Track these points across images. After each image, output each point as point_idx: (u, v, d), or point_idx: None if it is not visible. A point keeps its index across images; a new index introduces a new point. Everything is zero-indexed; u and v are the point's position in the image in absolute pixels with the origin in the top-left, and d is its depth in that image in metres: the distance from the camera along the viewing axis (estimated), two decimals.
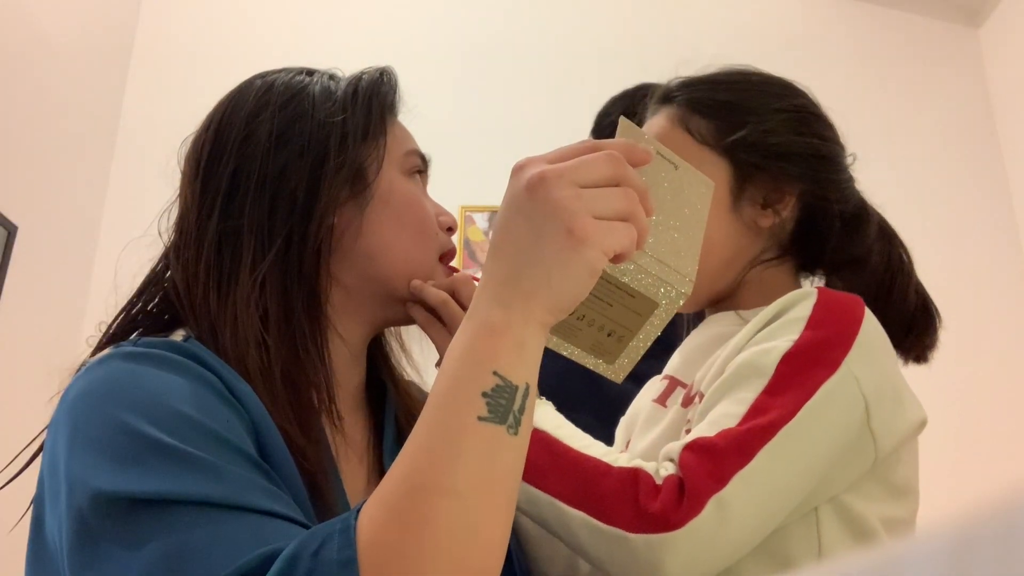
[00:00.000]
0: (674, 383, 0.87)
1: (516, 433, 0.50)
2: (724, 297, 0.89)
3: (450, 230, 0.77)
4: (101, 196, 2.25)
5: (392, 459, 0.71)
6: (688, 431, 0.72)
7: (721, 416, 0.69)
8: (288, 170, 0.69)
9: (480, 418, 0.49)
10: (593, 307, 0.59)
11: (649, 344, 0.62)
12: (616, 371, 0.63)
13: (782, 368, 0.69)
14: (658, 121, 0.92)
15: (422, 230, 0.74)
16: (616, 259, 0.53)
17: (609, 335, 0.61)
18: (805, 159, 0.87)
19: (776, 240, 0.88)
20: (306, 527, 0.52)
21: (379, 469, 0.73)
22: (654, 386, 0.89)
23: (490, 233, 2.26)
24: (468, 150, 1.99)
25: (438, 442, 0.49)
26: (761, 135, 0.87)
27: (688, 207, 0.62)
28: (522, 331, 0.51)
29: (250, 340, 0.64)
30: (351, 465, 0.70)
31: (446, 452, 0.48)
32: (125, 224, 2.33)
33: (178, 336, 0.66)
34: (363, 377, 0.77)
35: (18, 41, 1.93)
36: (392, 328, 0.80)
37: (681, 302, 0.59)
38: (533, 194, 0.51)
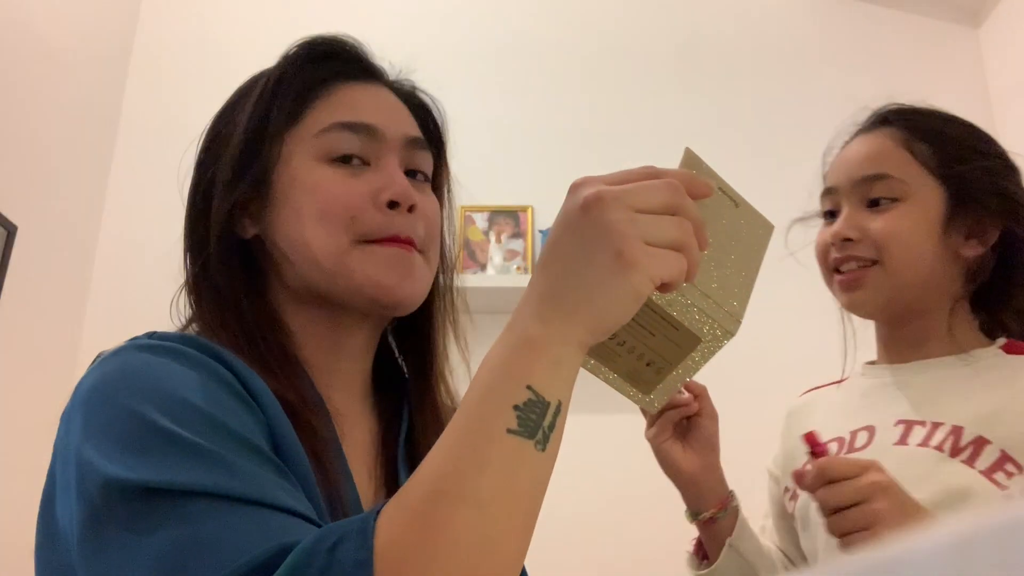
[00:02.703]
0: (909, 424, 0.94)
1: (544, 450, 0.49)
2: (909, 321, 0.99)
3: (395, 204, 0.71)
4: (101, 196, 2.25)
5: (404, 458, 0.73)
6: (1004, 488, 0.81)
7: None
8: (212, 176, 0.73)
9: (509, 430, 0.48)
10: (635, 334, 0.58)
11: (688, 379, 0.61)
12: (650, 402, 0.62)
13: None
14: (878, 140, 1.01)
15: (324, 216, 0.70)
16: (663, 288, 0.52)
17: (648, 364, 0.60)
18: (1011, 200, 0.97)
19: (962, 280, 0.99)
20: (317, 524, 0.52)
21: (388, 467, 0.73)
22: (886, 432, 0.95)
23: (489, 233, 2.26)
24: (468, 150, 1.99)
25: (464, 450, 0.48)
26: (982, 171, 0.97)
27: (745, 246, 0.60)
28: (560, 348, 0.51)
29: (225, 344, 0.66)
30: (357, 461, 0.70)
31: (471, 461, 0.48)
32: (125, 224, 2.34)
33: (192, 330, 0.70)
34: (366, 374, 0.76)
35: (18, 41, 1.93)
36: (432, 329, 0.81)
37: (726, 342, 0.58)
38: (587, 213, 0.51)
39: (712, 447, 0.99)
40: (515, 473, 0.48)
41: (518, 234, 2.25)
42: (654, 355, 0.60)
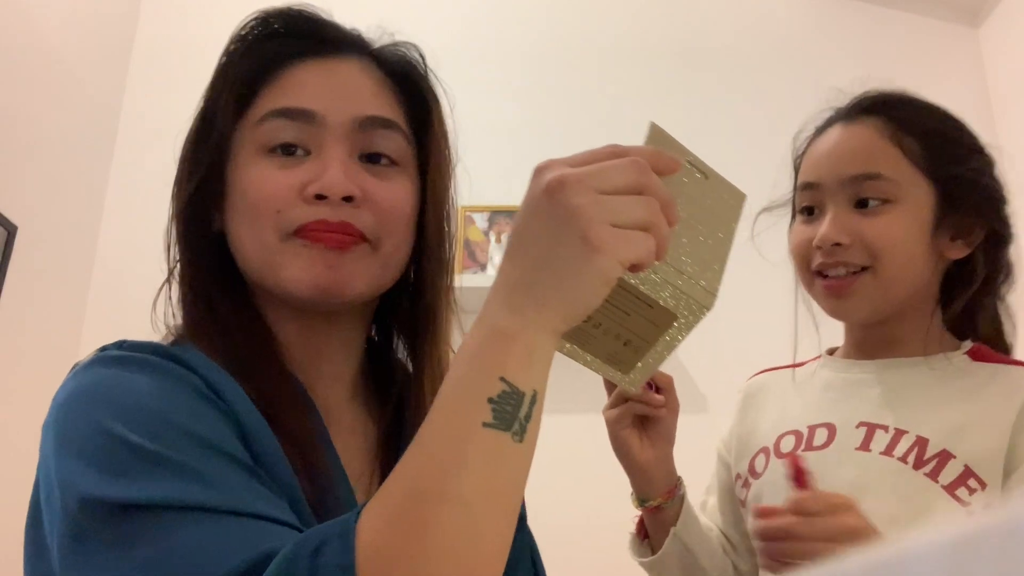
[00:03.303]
0: (872, 428, 0.91)
1: (521, 440, 0.49)
2: (887, 322, 0.95)
3: (321, 197, 0.66)
4: (101, 196, 2.25)
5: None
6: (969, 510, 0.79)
7: None
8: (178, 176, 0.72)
9: (485, 424, 0.48)
10: (610, 315, 0.58)
11: (667, 357, 0.60)
12: (630, 381, 0.62)
13: None
14: (865, 133, 0.95)
15: (254, 215, 0.66)
16: (633, 268, 0.52)
17: (625, 344, 0.60)
18: (996, 200, 0.94)
19: (939, 281, 0.95)
20: (299, 530, 0.51)
21: (390, 466, 0.72)
22: (847, 433, 0.92)
23: (489, 233, 2.26)
24: (467, 151, 1.98)
25: (441, 447, 0.48)
26: (974, 173, 0.93)
27: (716, 218, 0.59)
28: (532, 337, 0.50)
29: (203, 346, 0.65)
30: (352, 460, 0.69)
31: (449, 458, 0.47)
32: (125, 224, 2.34)
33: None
34: (354, 371, 0.74)
35: (18, 41, 1.93)
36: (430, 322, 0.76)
37: (703, 315, 0.57)
38: (551, 198, 0.50)
39: (669, 440, 0.99)
40: (494, 467, 0.48)
41: None
42: (631, 335, 0.59)
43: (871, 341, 0.99)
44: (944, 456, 0.84)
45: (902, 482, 0.84)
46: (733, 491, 1.07)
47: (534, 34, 2.49)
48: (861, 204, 0.93)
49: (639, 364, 0.61)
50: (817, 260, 0.95)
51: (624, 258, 0.50)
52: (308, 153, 0.67)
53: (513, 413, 0.49)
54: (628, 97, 2.39)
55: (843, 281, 0.93)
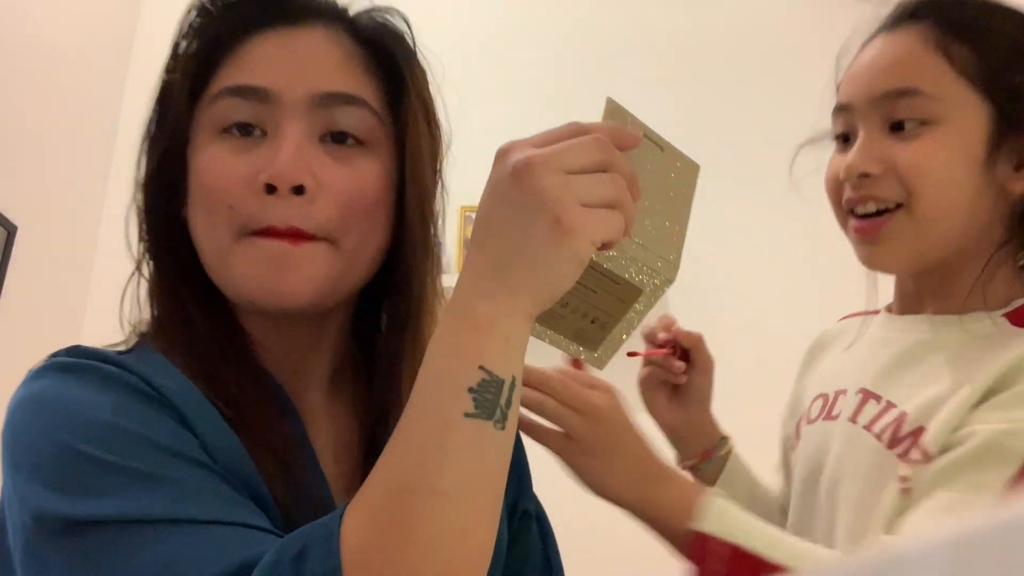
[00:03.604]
0: (867, 396, 0.80)
1: (503, 428, 0.48)
2: (936, 272, 0.79)
3: (272, 189, 0.58)
4: (101, 196, 2.25)
5: None
6: (905, 489, 0.68)
7: (956, 503, 0.64)
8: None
9: (466, 414, 0.47)
10: (578, 294, 0.58)
11: (633, 331, 0.61)
12: (598, 359, 0.62)
13: None
14: (904, 42, 0.79)
15: (206, 206, 0.61)
16: (603, 247, 0.51)
17: (592, 322, 0.60)
18: None
19: (1008, 221, 0.77)
20: (276, 534, 0.50)
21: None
22: (848, 400, 0.82)
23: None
24: (467, 150, 1.99)
25: (423, 441, 0.47)
26: None
27: (674, 191, 0.60)
28: (507, 323, 0.49)
29: (165, 347, 0.61)
30: (331, 460, 0.65)
31: (432, 451, 0.47)
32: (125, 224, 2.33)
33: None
34: (329, 368, 0.68)
35: (18, 41, 1.93)
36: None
37: (667, 289, 0.58)
38: (519, 181, 0.49)
39: (699, 401, 0.93)
40: (478, 457, 0.47)
41: None
42: (598, 312, 0.59)
43: (916, 293, 0.84)
44: (918, 433, 0.72)
45: (873, 462, 0.75)
46: (787, 456, 0.97)
47: (533, 33, 2.49)
48: (897, 127, 0.77)
49: (605, 340, 0.61)
50: (847, 195, 0.80)
51: (596, 238, 0.49)
52: (265, 134, 0.61)
53: (494, 401, 0.48)
54: (628, 96, 2.39)
55: (873, 223, 0.77)
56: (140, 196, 0.66)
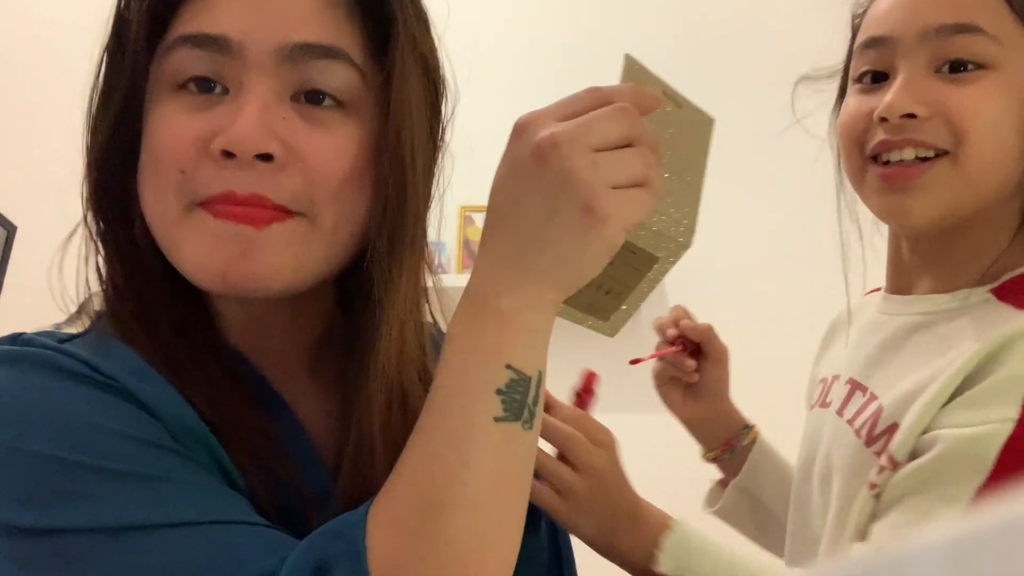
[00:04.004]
0: (854, 387, 0.76)
1: (531, 427, 0.46)
2: (947, 238, 0.72)
3: (230, 155, 0.50)
4: None
5: None
6: (876, 495, 0.65)
7: (923, 517, 0.60)
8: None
9: (496, 419, 0.45)
10: None
11: (646, 297, 0.58)
12: (610, 327, 0.59)
13: (1005, 459, 0.58)
14: None
15: (154, 171, 0.53)
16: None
17: (607, 293, 0.57)
18: None
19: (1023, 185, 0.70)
20: (276, 528, 0.47)
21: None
22: (837, 390, 0.79)
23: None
24: (467, 150, 1.98)
25: (451, 450, 0.45)
26: None
27: (690, 148, 0.56)
28: (534, 316, 0.46)
29: (123, 331, 0.54)
30: (324, 433, 0.59)
31: (461, 461, 0.44)
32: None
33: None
34: (309, 349, 0.61)
35: (18, 42, 1.93)
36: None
37: (682, 253, 0.55)
38: (544, 163, 0.44)
39: (715, 393, 0.91)
40: (507, 461, 0.45)
41: None
42: (613, 283, 0.56)
43: (911, 266, 0.77)
44: (892, 430, 0.68)
45: (853, 459, 0.71)
46: None
47: (538, 32, 2.49)
48: (951, 68, 0.69)
49: (618, 309, 0.59)
50: (877, 138, 0.71)
51: (628, 222, 0.46)
52: (228, 91, 0.52)
53: (522, 401, 0.46)
54: None
55: (910, 169, 0.69)
56: (92, 163, 0.57)
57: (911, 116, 0.68)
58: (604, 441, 0.71)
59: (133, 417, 0.48)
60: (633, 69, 0.54)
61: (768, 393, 1.38)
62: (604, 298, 0.57)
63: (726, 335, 0.93)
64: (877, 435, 0.69)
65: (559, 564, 0.69)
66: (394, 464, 0.51)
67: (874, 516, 0.67)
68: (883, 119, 0.69)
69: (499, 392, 0.45)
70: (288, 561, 0.43)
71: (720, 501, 0.95)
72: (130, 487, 0.45)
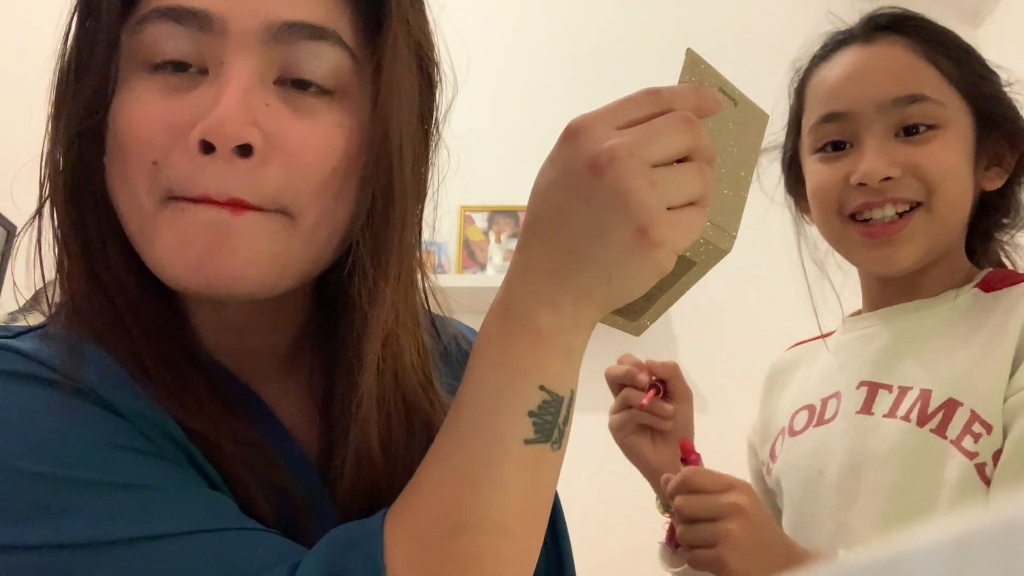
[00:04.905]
0: (874, 387, 0.81)
1: (559, 448, 0.45)
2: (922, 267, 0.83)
3: (209, 148, 0.45)
4: None
5: None
6: (979, 464, 0.71)
7: None
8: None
9: (526, 440, 0.43)
10: None
11: (677, 300, 0.57)
12: (637, 327, 0.58)
13: None
14: (896, 52, 0.84)
15: (125, 163, 0.48)
16: None
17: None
18: (1021, 120, 0.84)
19: (970, 214, 0.84)
20: (271, 532, 0.46)
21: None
22: (848, 399, 0.83)
23: (488, 233, 2.25)
24: (467, 150, 1.98)
25: (479, 471, 0.43)
26: (997, 89, 0.85)
27: (742, 147, 0.54)
28: (571, 335, 0.44)
29: (90, 332, 0.50)
30: (303, 431, 0.56)
31: (490, 483, 0.43)
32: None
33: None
34: (287, 350, 0.58)
35: (17, 41, 1.94)
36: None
37: (720, 259, 0.53)
38: (599, 177, 0.42)
39: (685, 434, 0.89)
40: (535, 484, 0.44)
41: (518, 234, 2.26)
42: None
43: (890, 290, 0.87)
44: (950, 406, 0.75)
45: (908, 444, 0.76)
46: (764, 481, 0.97)
47: (538, 33, 2.49)
48: (906, 131, 0.81)
49: (650, 310, 0.57)
50: (857, 201, 0.82)
51: (681, 246, 0.44)
52: (206, 72, 0.48)
53: (553, 422, 0.44)
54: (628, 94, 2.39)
55: (893, 224, 0.80)
56: (57, 148, 0.51)
57: (888, 179, 0.80)
58: (738, 484, 0.74)
59: (102, 420, 0.45)
60: (694, 64, 0.51)
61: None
62: (637, 300, 0.55)
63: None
64: (932, 413, 0.75)
65: (560, 562, 0.68)
66: (395, 470, 0.51)
67: (969, 483, 0.72)
68: (861, 184, 0.80)
69: (531, 414, 0.44)
70: (301, 569, 0.42)
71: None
72: (107, 497, 0.42)
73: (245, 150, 0.46)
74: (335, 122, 0.50)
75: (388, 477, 0.52)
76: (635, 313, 0.57)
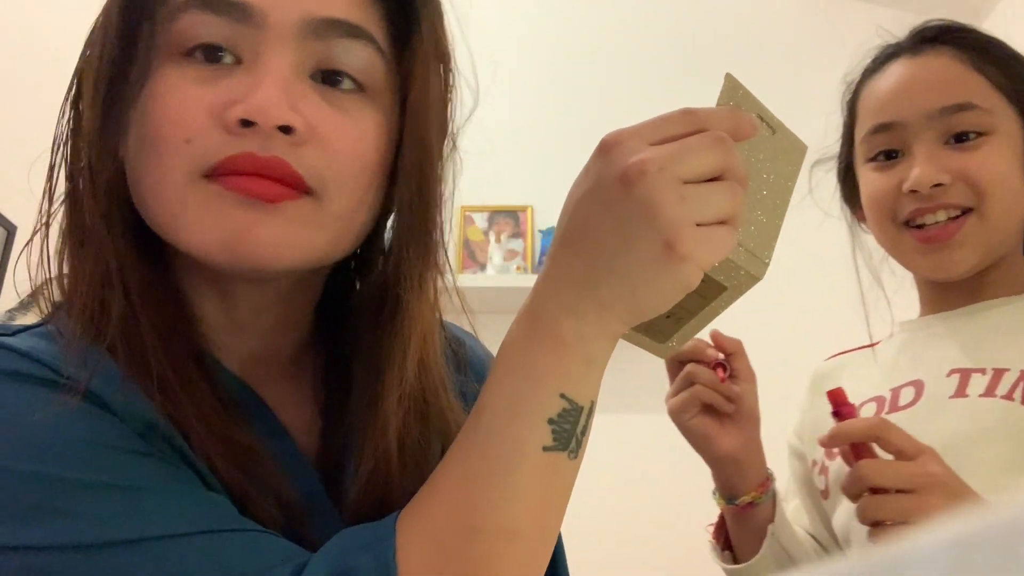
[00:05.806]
0: (967, 372, 0.81)
1: (576, 457, 0.45)
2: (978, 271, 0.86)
3: (248, 124, 0.46)
4: None
5: None
6: None
7: None
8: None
9: (544, 448, 0.44)
10: None
11: (706, 325, 0.56)
12: (665, 349, 0.57)
13: None
14: (944, 62, 0.86)
15: (156, 143, 0.48)
16: None
17: (668, 316, 0.55)
18: None
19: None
20: (271, 534, 0.45)
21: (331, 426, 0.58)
22: (937, 385, 0.83)
23: (488, 233, 2.25)
24: (468, 150, 1.98)
25: (496, 476, 0.43)
26: None
27: (778, 176, 0.54)
28: (594, 345, 0.45)
29: (90, 328, 0.50)
30: (304, 433, 0.57)
31: (506, 488, 0.43)
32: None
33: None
34: (291, 353, 0.59)
35: (18, 42, 1.94)
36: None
37: (752, 286, 0.53)
38: (629, 189, 0.42)
39: (753, 418, 0.84)
40: (550, 491, 0.45)
41: (518, 234, 2.25)
42: (676, 308, 0.54)
43: (951, 295, 0.89)
44: None
45: (1011, 422, 0.75)
46: (813, 483, 0.93)
47: (538, 33, 2.49)
48: (956, 139, 0.83)
49: (678, 333, 0.56)
50: (909, 208, 0.84)
51: (707, 264, 0.44)
52: (240, 62, 0.49)
53: (571, 431, 0.45)
54: (629, 96, 2.39)
55: (946, 228, 0.83)
56: (88, 136, 0.51)
57: (938, 185, 0.82)
58: (925, 449, 0.68)
59: (100, 421, 0.44)
60: (732, 89, 0.51)
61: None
62: (665, 321, 0.55)
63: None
64: None
65: (554, 561, 0.68)
66: (409, 473, 0.50)
67: None
68: (913, 191, 0.82)
69: (551, 421, 0.44)
70: (310, 568, 0.42)
71: (752, 554, 0.86)
72: (105, 499, 0.42)
73: (286, 130, 0.47)
74: (367, 118, 0.51)
75: (401, 479, 0.52)
76: (663, 334, 0.56)
